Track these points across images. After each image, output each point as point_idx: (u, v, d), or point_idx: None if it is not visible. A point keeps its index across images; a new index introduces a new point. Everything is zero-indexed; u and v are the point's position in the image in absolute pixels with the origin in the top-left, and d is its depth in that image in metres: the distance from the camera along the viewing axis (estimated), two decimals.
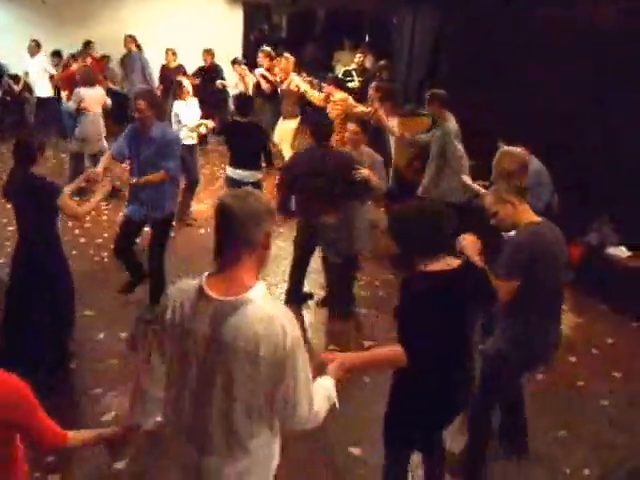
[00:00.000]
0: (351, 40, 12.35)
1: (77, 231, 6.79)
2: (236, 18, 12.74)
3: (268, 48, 9.27)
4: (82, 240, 6.58)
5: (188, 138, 6.97)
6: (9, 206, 7.34)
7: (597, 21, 6.23)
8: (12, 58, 10.88)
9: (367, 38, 12.90)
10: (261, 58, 9.10)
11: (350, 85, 10.12)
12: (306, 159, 5.09)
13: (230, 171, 6.30)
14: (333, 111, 7.21)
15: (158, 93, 9.59)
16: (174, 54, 10.38)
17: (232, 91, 10.07)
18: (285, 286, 5.49)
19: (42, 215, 4.13)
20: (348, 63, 11.15)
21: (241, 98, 6.89)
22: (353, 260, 5.41)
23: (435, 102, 6.04)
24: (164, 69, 10.52)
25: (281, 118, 8.72)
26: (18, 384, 1.96)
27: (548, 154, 5.51)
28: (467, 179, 5.40)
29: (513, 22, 7.05)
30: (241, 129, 6.25)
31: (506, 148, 4.21)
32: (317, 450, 3.74)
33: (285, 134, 8.57)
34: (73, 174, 7.32)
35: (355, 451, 3.78)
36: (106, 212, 7.46)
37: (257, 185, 6.10)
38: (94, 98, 7.69)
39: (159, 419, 2.28)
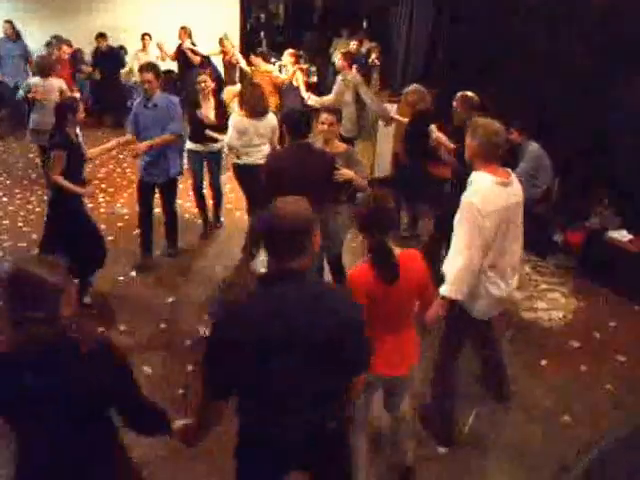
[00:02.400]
0: (349, 28, 12.28)
1: None
2: (233, 6, 12.67)
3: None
4: None
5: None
6: (5, 199, 7.47)
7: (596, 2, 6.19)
8: None
9: (365, 26, 12.83)
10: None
11: None
12: (285, 159, 4.44)
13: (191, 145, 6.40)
14: (262, 82, 7.37)
15: None
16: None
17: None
18: None
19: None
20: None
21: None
22: (338, 264, 4.97)
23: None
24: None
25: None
26: None
27: (548, 140, 5.50)
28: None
29: (514, 11, 7.00)
30: None
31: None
32: None
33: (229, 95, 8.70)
34: None
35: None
36: (103, 205, 7.44)
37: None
38: (48, 89, 7.48)
39: None
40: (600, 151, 6.08)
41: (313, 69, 9.18)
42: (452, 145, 5.19)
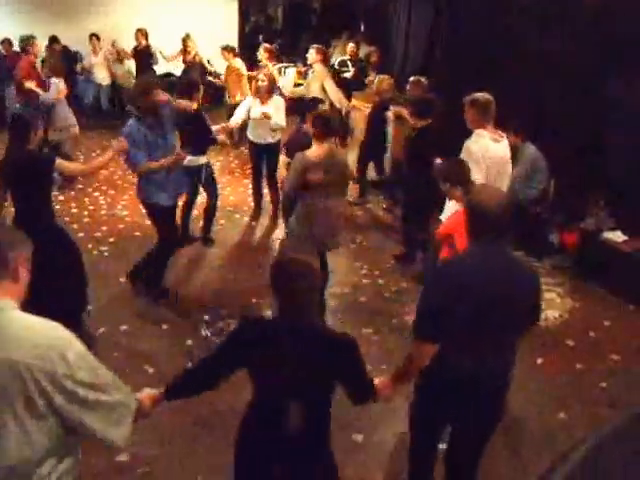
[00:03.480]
0: (347, 30, 12.35)
1: (75, 226, 6.77)
2: (231, 9, 12.73)
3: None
4: (80, 235, 6.58)
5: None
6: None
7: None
8: None
9: (362, 28, 12.89)
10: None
11: (346, 75, 10.19)
12: None
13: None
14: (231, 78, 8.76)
15: None
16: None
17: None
18: None
19: (38, 191, 4.32)
20: (344, 53, 11.20)
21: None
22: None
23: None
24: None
25: None
26: None
27: (543, 141, 5.55)
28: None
29: (510, 10, 7.06)
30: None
31: None
32: None
33: None
34: None
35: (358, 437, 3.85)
36: (104, 207, 7.48)
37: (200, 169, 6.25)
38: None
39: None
40: (596, 152, 6.13)
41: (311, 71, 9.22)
42: (411, 120, 6.03)
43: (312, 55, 8.03)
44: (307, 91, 7.90)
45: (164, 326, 4.98)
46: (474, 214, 2.62)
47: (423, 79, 6.80)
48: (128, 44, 10.93)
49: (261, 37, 14.56)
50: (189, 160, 6.03)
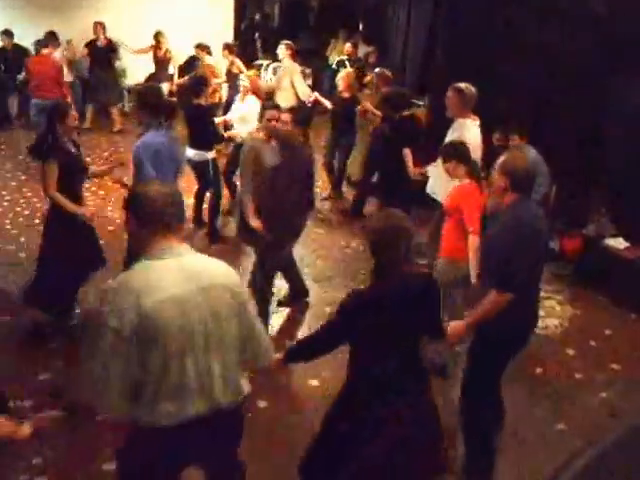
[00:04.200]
0: (345, 29, 12.26)
1: None
2: (227, 7, 12.62)
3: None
4: None
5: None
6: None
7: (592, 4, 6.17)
8: None
9: (361, 27, 12.82)
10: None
11: None
12: None
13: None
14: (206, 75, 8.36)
15: None
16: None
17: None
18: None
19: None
20: (342, 53, 11.12)
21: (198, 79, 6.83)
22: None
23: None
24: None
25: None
26: None
27: (545, 146, 5.47)
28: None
29: (509, 10, 6.97)
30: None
31: None
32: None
33: None
34: None
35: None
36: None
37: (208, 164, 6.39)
38: None
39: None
40: (597, 158, 6.07)
41: (308, 71, 9.16)
42: (378, 112, 6.58)
43: (282, 50, 8.39)
44: (278, 85, 8.36)
45: None
46: (515, 174, 3.18)
47: (387, 71, 7.35)
48: (123, 40, 10.79)
49: (257, 35, 14.48)
50: (196, 155, 6.12)
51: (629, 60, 5.79)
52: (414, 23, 8.88)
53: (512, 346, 3.38)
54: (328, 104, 7.93)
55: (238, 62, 9.26)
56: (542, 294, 5.62)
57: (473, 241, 4.02)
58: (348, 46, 10.43)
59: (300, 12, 14.87)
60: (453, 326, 3.24)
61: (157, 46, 10.13)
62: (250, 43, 14.02)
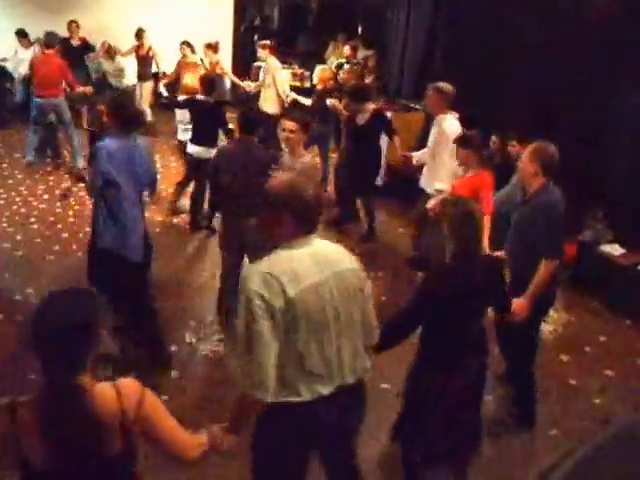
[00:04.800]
0: (344, 32, 12.24)
1: (59, 225, 6.66)
2: (227, 9, 12.61)
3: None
4: (64, 235, 6.44)
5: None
6: None
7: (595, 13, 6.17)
8: None
9: (360, 30, 12.80)
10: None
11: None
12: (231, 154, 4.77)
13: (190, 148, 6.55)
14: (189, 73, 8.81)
15: None
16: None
17: None
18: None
19: None
20: (341, 56, 11.11)
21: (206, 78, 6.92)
22: None
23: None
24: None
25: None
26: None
27: None
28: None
29: (509, 12, 6.99)
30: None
31: None
32: None
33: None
34: None
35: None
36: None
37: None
38: None
39: None
40: (595, 164, 6.07)
41: (307, 73, 9.16)
42: (345, 112, 6.85)
43: (262, 51, 8.72)
44: (262, 83, 8.66)
45: None
46: (545, 160, 3.63)
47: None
48: (121, 41, 10.76)
49: (256, 37, 14.46)
50: (198, 152, 6.15)
51: (630, 63, 5.79)
52: (413, 26, 8.88)
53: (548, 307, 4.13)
54: (307, 102, 8.16)
55: (222, 62, 9.55)
56: None
57: (487, 221, 4.42)
58: (347, 49, 10.44)
59: (299, 14, 14.84)
60: (517, 303, 3.53)
61: (139, 44, 10.09)
62: (250, 45, 14.01)
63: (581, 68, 6.14)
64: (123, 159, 4.00)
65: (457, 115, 5.51)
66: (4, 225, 6.64)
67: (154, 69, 10.60)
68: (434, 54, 8.53)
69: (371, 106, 6.51)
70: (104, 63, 10.19)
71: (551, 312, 5.48)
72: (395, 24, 9.45)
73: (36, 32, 9.79)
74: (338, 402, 2.46)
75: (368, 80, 9.60)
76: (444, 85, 5.48)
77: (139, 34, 10.12)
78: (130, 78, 10.49)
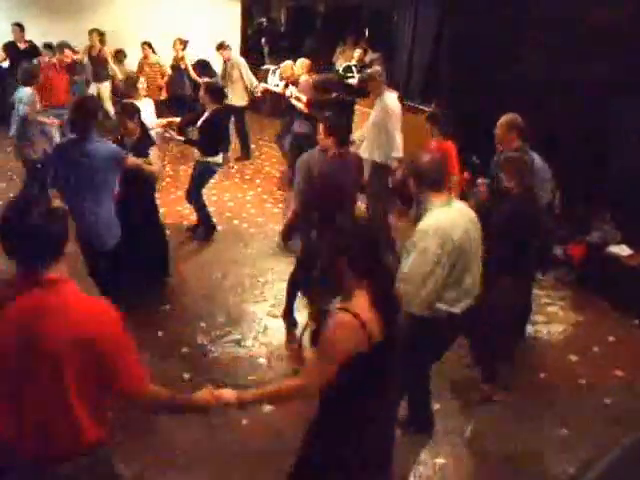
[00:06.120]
0: (352, 35, 12.29)
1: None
2: (234, 11, 12.67)
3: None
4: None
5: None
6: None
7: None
8: None
9: (367, 33, 12.85)
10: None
11: (350, 81, 10.16)
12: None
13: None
14: (150, 72, 9.76)
15: None
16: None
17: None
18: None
19: None
20: (349, 58, 11.17)
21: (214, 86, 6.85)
22: None
23: None
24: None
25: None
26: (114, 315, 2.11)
27: (551, 151, 5.47)
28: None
29: (514, 14, 7.01)
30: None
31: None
32: None
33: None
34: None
35: None
36: None
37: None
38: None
39: None
40: (601, 165, 6.08)
41: (315, 77, 9.18)
42: (304, 97, 7.58)
43: (224, 51, 9.38)
44: (230, 79, 9.20)
45: (159, 333, 4.90)
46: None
47: (307, 60, 8.40)
48: (125, 43, 10.84)
49: (264, 40, 14.53)
50: (202, 159, 6.22)
51: (636, 68, 5.81)
52: (420, 28, 8.90)
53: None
54: (278, 90, 8.56)
55: (187, 58, 10.08)
56: (546, 300, 5.71)
57: (457, 180, 5.67)
58: (359, 52, 10.54)
59: (306, 17, 14.90)
60: None
61: (92, 45, 9.93)
62: (257, 48, 14.08)
63: (587, 69, 6.15)
64: (72, 158, 4.23)
65: (395, 93, 6.76)
66: None
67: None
68: (441, 56, 8.54)
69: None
70: (115, 68, 10.23)
71: (560, 312, 5.57)
72: (402, 26, 9.48)
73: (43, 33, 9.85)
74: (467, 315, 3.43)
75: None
76: (376, 70, 6.81)
77: (90, 34, 9.92)
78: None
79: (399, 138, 6.27)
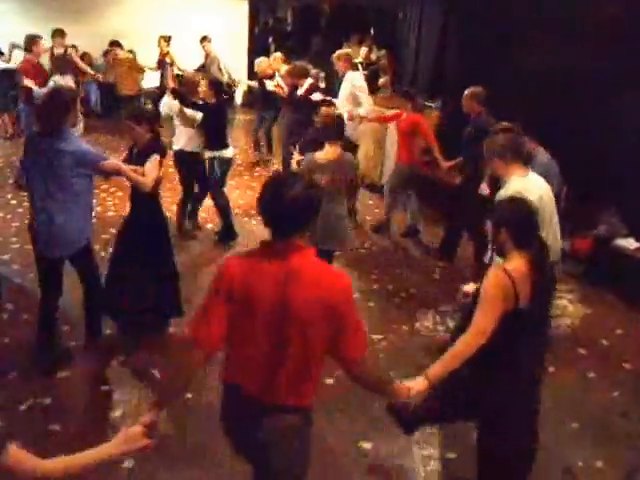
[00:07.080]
0: (357, 33, 12.32)
1: None
2: (241, 11, 12.72)
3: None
4: None
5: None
6: (13, 201, 7.47)
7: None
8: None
9: (372, 31, 12.86)
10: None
11: None
12: None
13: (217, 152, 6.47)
14: (123, 67, 10.42)
15: None
16: None
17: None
18: None
19: None
20: (355, 56, 11.18)
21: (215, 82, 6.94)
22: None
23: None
24: None
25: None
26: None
27: (557, 145, 5.49)
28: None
29: (519, 11, 7.02)
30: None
31: None
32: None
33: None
34: None
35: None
36: (112, 208, 7.44)
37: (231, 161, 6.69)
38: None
39: None
40: (608, 159, 6.08)
41: (322, 74, 9.23)
42: (286, 88, 7.86)
43: (205, 46, 10.18)
44: (209, 72, 9.69)
45: (171, 329, 4.93)
46: None
47: (280, 54, 9.18)
48: (133, 44, 10.91)
49: (271, 39, 14.56)
50: (211, 154, 6.28)
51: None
52: (426, 25, 8.93)
53: None
54: (254, 84, 9.21)
55: (172, 53, 10.43)
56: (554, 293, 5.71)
57: (436, 150, 6.50)
58: (365, 50, 10.57)
59: (312, 16, 14.92)
60: None
61: (53, 44, 9.56)
62: (264, 47, 14.12)
63: (593, 64, 6.16)
64: (34, 147, 4.07)
65: (359, 71, 7.96)
66: None
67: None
68: (447, 52, 8.57)
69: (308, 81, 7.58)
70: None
71: (568, 305, 5.59)
72: (408, 24, 9.51)
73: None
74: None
75: (382, 80, 9.69)
76: (341, 53, 7.80)
77: (54, 35, 9.56)
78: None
79: (367, 107, 7.56)
